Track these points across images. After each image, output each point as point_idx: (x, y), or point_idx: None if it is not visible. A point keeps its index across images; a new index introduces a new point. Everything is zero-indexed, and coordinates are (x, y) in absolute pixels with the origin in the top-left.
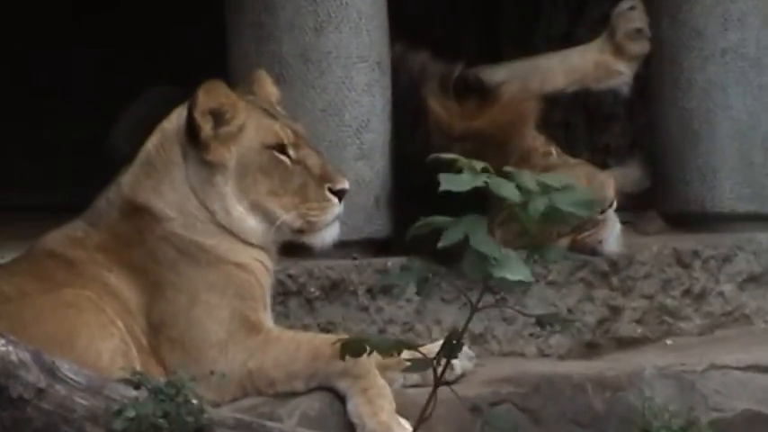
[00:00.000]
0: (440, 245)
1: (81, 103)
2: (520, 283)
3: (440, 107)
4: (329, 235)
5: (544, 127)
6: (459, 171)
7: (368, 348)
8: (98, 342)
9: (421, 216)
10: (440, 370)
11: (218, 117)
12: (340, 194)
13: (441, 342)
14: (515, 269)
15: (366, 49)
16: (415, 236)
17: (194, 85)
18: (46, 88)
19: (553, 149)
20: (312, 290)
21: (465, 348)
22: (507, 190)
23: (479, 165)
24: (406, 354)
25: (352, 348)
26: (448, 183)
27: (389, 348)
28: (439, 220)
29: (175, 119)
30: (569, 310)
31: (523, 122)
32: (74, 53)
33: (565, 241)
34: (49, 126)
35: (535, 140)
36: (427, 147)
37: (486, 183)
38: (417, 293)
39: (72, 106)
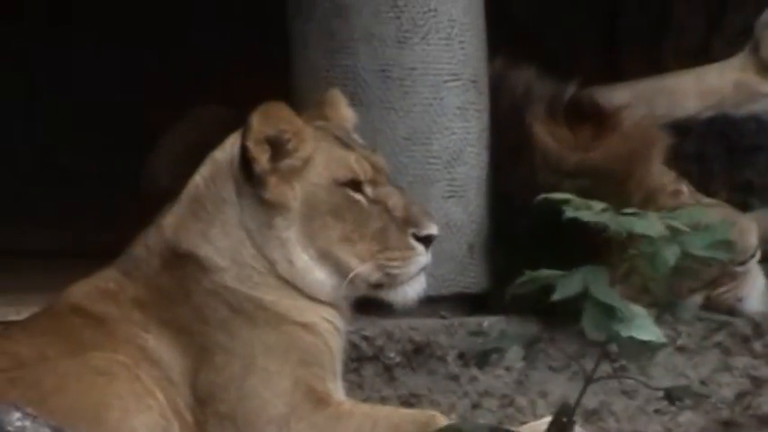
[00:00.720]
0: (554, 297)
1: (110, 128)
2: (649, 345)
3: (547, 135)
4: (413, 290)
5: (673, 160)
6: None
7: None
8: (133, 417)
9: (523, 268)
10: None
11: (278, 147)
12: (427, 241)
13: (546, 420)
14: (645, 328)
15: (459, 64)
16: (518, 293)
17: (250, 106)
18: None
19: (684, 187)
20: (392, 355)
21: (577, 428)
22: (645, 226)
23: (598, 205)
24: None
25: None
26: (574, 210)
27: None
28: (548, 273)
29: (229, 148)
30: (702, 382)
31: (648, 155)
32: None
33: (698, 298)
34: (72, 155)
35: (662, 177)
36: (532, 184)
37: (610, 220)
38: (525, 359)
39: (100, 134)
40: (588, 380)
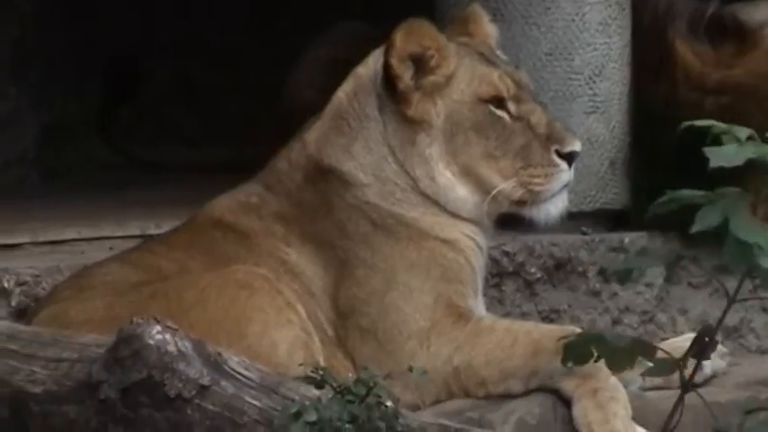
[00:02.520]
0: (693, 229)
1: (250, 41)
2: None
3: (689, 52)
4: (555, 207)
5: None
6: (716, 140)
7: (594, 354)
8: (273, 330)
9: (664, 185)
10: (688, 372)
11: (421, 64)
12: (569, 158)
13: (687, 336)
14: None
15: None
16: (659, 212)
17: (390, 21)
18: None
19: None
20: (532, 270)
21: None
22: None
23: (743, 132)
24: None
25: (577, 352)
26: (718, 158)
27: (624, 354)
28: (689, 194)
29: (372, 64)
30: None
31: None
32: None
33: None
34: (214, 69)
35: None
36: (674, 99)
37: (756, 154)
38: (666, 279)
39: (240, 45)
40: (731, 301)
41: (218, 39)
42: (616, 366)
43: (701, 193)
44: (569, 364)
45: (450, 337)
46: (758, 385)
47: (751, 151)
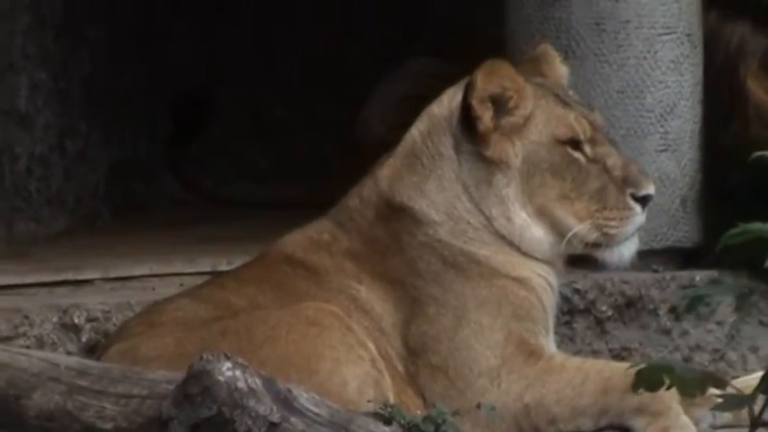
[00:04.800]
0: (767, 264)
1: (321, 76)
2: None
3: (762, 89)
4: (628, 250)
5: None
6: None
7: (666, 381)
8: (344, 367)
9: (737, 222)
10: (758, 408)
11: (500, 105)
12: (644, 201)
13: (758, 375)
14: None
15: (674, 17)
16: (729, 246)
17: (460, 58)
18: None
19: None
20: (603, 308)
21: None
22: None
23: None
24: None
25: (648, 379)
26: None
27: (695, 383)
28: (761, 226)
29: (447, 103)
30: None
31: None
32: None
33: None
34: (283, 103)
35: None
36: (745, 137)
37: None
38: (736, 310)
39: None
40: None
41: (291, 73)
42: (686, 393)
43: None
44: (640, 391)
45: (520, 375)
46: None
47: None
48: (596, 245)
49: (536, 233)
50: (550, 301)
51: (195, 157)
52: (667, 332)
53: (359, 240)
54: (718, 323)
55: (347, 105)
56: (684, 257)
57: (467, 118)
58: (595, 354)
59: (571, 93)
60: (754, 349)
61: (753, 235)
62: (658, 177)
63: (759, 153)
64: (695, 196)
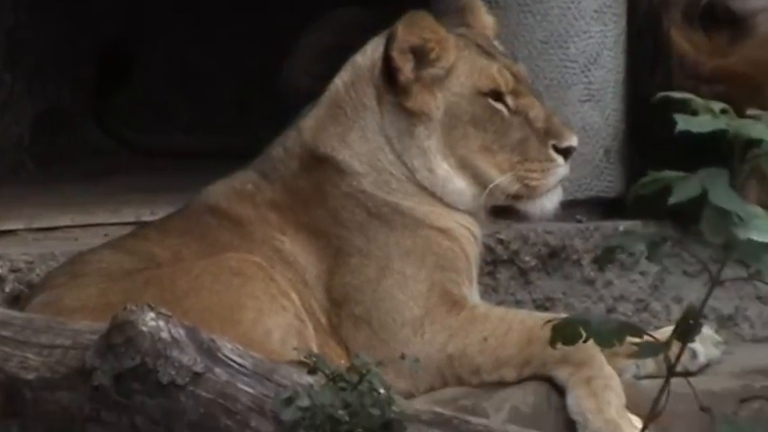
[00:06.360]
0: (671, 200)
1: (246, 26)
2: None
3: (685, 40)
4: (550, 202)
5: None
6: (694, 113)
7: (583, 334)
8: (267, 317)
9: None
10: (674, 356)
11: (421, 56)
12: (566, 153)
13: None
14: (764, 229)
15: None
16: (641, 195)
17: (387, 8)
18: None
19: None
20: (527, 259)
21: (711, 332)
22: (758, 131)
23: (717, 105)
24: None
25: (565, 333)
26: (685, 123)
27: (611, 334)
28: (670, 175)
29: (370, 53)
30: None
31: None
32: None
33: None
34: (210, 55)
35: None
36: (668, 88)
37: (727, 125)
38: (648, 259)
39: (236, 30)
40: (715, 282)
41: (214, 25)
42: (604, 344)
43: (682, 174)
44: (558, 346)
45: (444, 325)
46: (753, 374)
47: (724, 122)
48: (518, 196)
49: (458, 184)
50: (474, 252)
51: (120, 108)
52: (591, 282)
53: (283, 191)
54: (642, 273)
55: (272, 56)
56: (608, 208)
57: (388, 69)
58: (519, 304)
59: (496, 44)
60: (678, 299)
61: (663, 183)
62: (582, 128)
63: (663, 93)
64: (619, 147)
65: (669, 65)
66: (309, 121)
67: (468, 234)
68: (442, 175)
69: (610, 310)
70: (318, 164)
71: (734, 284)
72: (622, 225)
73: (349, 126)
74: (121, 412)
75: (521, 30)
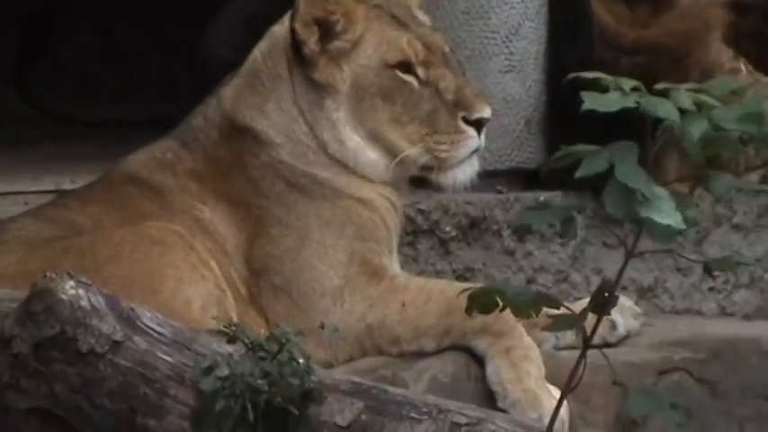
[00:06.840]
0: (578, 174)
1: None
2: (668, 228)
3: (606, 12)
4: (463, 173)
5: (732, 39)
6: (604, 91)
7: (500, 303)
8: (187, 286)
9: (579, 144)
10: (592, 328)
11: (326, 28)
12: (478, 124)
13: None
14: (664, 211)
15: None
16: (555, 168)
17: None
18: None
19: (742, 65)
20: (447, 229)
21: (630, 304)
22: (665, 109)
23: (629, 83)
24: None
25: (482, 302)
26: (592, 102)
27: (528, 304)
28: (582, 149)
29: (287, 23)
30: (758, 260)
31: (706, 32)
32: None
33: (755, 176)
34: (133, 26)
35: (720, 55)
36: (590, 59)
37: (637, 103)
38: (561, 235)
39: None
40: (629, 255)
41: None
42: (520, 314)
43: (594, 148)
44: (478, 316)
45: (363, 295)
46: (672, 346)
47: (632, 101)
48: (429, 168)
49: (370, 156)
50: (394, 222)
51: (41, 77)
52: (511, 253)
53: (203, 160)
54: (562, 244)
55: (195, 25)
56: (529, 178)
57: (295, 42)
58: (439, 274)
59: (418, 14)
60: (598, 271)
61: (575, 158)
62: (503, 98)
63: (573, 75)
64: (540, 117)
65: (590, 36)
66: (229, 90)
67: (388, 204)
68: (352, 147)
69: (530, 281)
70: (238, 133)
71: (653, 256)
72: (543, 196)
73: (266, 96)
74: (41, 380)
75: (442, 0)
